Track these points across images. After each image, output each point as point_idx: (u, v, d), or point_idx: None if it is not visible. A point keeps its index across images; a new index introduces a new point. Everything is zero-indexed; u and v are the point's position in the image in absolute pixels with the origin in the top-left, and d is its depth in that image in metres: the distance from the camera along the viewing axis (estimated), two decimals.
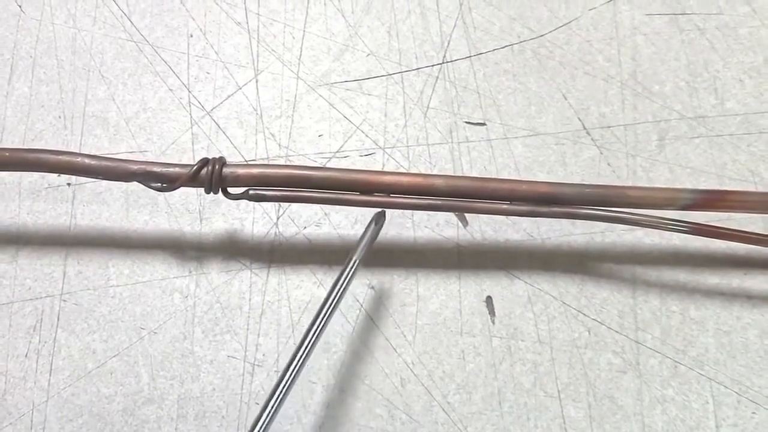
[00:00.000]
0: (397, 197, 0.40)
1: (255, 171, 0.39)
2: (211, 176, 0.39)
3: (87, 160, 0.39)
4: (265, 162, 0.45)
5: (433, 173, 0.44)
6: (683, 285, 0.43)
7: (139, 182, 0.39)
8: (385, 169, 0.45)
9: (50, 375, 0.40)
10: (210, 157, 0.39)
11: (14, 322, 0.41)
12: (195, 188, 0.43)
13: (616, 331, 0.42)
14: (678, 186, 0.44)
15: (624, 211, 0.40)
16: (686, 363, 0.41)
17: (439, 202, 0.40)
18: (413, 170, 0.45)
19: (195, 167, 0.39)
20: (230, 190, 0.40)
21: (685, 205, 0.40)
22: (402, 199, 0.40)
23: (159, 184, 0.39)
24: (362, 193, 0.40)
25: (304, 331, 0.39)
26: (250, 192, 0.39)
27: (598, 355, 0.41)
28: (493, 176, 0.44)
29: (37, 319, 0.41)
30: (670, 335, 0.42)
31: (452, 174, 0.45)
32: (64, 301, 0.42)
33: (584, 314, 0.42)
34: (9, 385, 0.40)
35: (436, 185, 0.39)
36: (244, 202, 0.44)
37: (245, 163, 0.43)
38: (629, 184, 0.45)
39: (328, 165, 0.45)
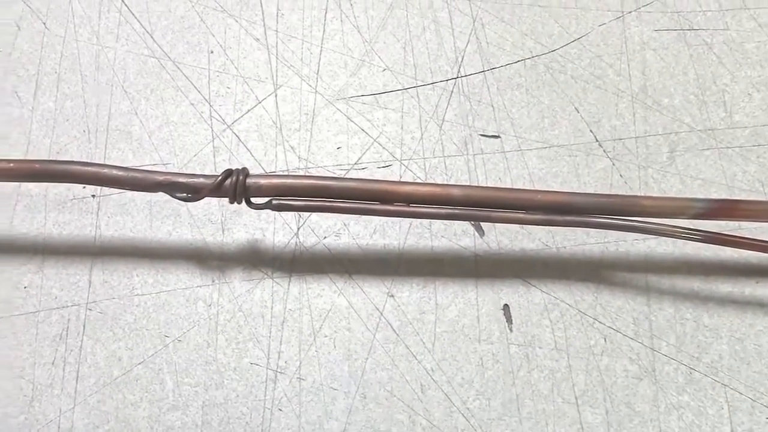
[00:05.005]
0: (416, 207, 0.41)
1: (277, 181, 0.40)
2: (235, 187, 0.40)
3: (114, 171, 0.40)
4: (285, 173, 0.45)
5: (451, 183, 0.45)
6: (696, 293, 0.44)
7: (164, 192, 0.40)
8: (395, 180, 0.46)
9: (77, 382, 0.41)
10: (234, 168, 0.40)
11: (41, 330, 0.42)
12: (217, 199, 0.44)
13: (632, 339, 0.43)
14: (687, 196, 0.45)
15: (638, 220, 0.41)
16: (701, 369, 0.42)
17: (457, 211, 0.41)
18: (422, 181, 0.46)
19: (219, 178, 0.40)
20: (253, 200, 0.41)
21: (697, 213, 0.41)
22: (421, 208, 0.40)
23: (184, 195, 0.40)
24: (382, 202, 0.41)
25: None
26: (273, 202, 0.40)
27: (614, 361, 0.42)
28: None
29: (64, 328, 0.42)
30: (684, 342, 0.42)
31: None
32: (90, 309, 0.43)
33: (600, 322, 0.43)
34: (36, 392, 0.41)
35: (453, 195, 0.40)
36: (265, 213, 0.45)
37: (268, 173, 0.44)
38: (633, 194, 0.46)
39: (340, 176, 0.46)
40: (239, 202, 0.40)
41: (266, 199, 0.41)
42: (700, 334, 0.43)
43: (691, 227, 0.41)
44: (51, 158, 0.46)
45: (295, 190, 0.40)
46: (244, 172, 0.40)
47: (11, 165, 0.40)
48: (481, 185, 0.45)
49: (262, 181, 0.40)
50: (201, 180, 0.40)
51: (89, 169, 0.40)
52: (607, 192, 0.46)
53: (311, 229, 0.45)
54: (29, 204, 0.45)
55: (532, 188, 0.45)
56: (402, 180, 0.46)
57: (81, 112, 0.47)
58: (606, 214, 0.41)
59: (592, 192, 0.45)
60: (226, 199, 0.42)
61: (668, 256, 0.44)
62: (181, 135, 0.47)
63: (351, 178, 0.41)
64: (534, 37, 0.50)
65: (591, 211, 0.41)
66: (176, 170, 0.45)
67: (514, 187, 0.46)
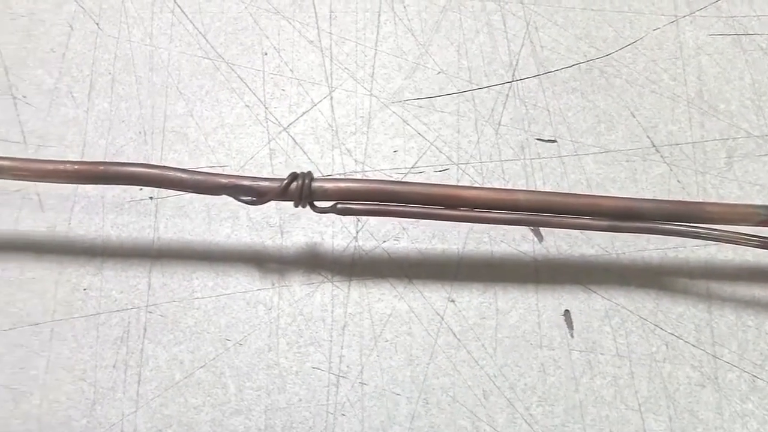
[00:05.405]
0: (481, 212, 0.40)
1: (342, 185, 0.40)
2: (301, 190, 0.39)
3: (179, 174, 0.40)
4: (350, 177, 0.45)
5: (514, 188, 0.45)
6: (758, 300, 0.43)
7: (228, 196, 0.40)
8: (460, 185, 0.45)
9: (138, 385, 0.41)
10: (299, 172, 0.40)
11: (101, 333, 0.42)
12: (275, 202, 0.44)
13: (694, 346, 0.42)
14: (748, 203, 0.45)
15: (702, 227, 0.41)
16: (764, 377, 0.42)
17: (523, 216, 0.40)
18: (488, 186, 0.45)
19: (286, 181, 0.39)
20: (317, 204, 0.40)
21: (761, 221, 0.41)
22: (486, 213, 0.40)
23: (248, 198, 0.40)
24: (447, 207, 0.40)
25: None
26: (338, 206, 0.40)
27: (677, 369, 0.42)
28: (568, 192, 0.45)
29: (124, 330, 0.42)
30: (747, 350, 0.42)
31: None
32: (150, 312, 0.42)
33: (661, 328, 0.43)
34: (98, 395, 0.41)
35: (519, 200, 0.40)
36: (324, 217, 0.44)
37: (332, 177, 0.44)
38: (700, 200, 0.45)
39: (404, 180, 0.46)
40: (304, 206, 0.40)
41: (330, 203, 0.40)
42: (763, 341, 0.42)
43: (754, 234, 0.41)
44: (107, 160, 0.45)
45: (360, 194, 0.40)
46: (309, 176, 0.40)
47: (75, 167, 0.40)
48: (545, 191, 0.45)
49: (328, 185, 0.40)
50: (266, 183, 0.40)
51: (154, 171, 0.40)
52: (666, 198, 0.46)
53: (370, 233, 0.44)
54: (87, 206, 0.44)
55: (592, 193, 0.45)
56: (465, 185, 0.45)
57: (136, 114, 0.47)
58: (671, 220, 0.41)
59: (654, 198, 0.44)
60: (285, 202, 0.41)
61: (729, 262, 0.44)
62: (237, 137, 0.47)
63: (416, 183, 0.40)
64: (588, 41, 0.50)
65: (656, 217, 0.40)
66: (234, 173, 0.45)
67: (573, 192, 0.46)
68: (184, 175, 0.40)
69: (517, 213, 0.41)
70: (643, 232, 0.41)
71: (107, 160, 0.44)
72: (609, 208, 0.40)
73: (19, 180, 0.40)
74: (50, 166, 0.40)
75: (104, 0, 0.50)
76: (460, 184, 0.46)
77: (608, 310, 0.43)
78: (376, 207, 0.40)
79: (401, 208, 0.40)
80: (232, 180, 0.40)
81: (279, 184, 0.40)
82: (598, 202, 0.41)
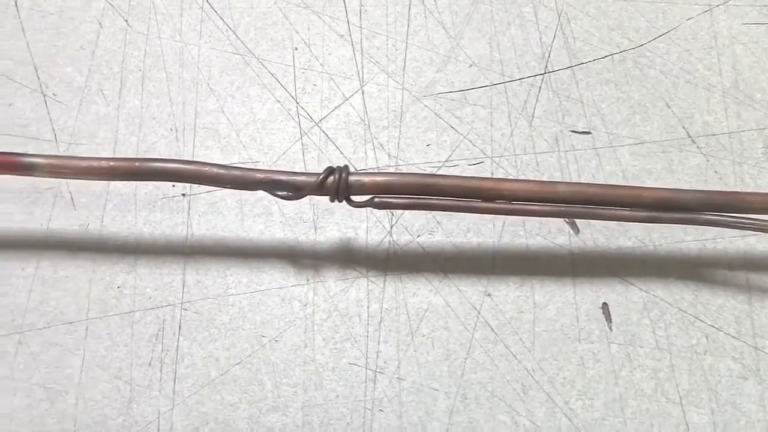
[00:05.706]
0: (520, 204, 0.40)
1: (379, 179, 0.40)
2: (338, 185, 0.39)
3: (215, 169, 0.39)
4: (387, 171, 0.45)
5: (553, 181, 0.44)
6: None
7: (264, 191, 0.40)
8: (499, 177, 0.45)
9: (174, 383, 0.41)
10: (335, 166, 0.39)
11: (136, 330, 0.42)
12: (309, 198, 0.44)
13: (734, 338, 0.42)
14: None
15: (745, 217, 0.40)
16: None
17: (563, 208, 0.40)
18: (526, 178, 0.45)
19: (322, 176, 0.39)
20: (353, 198, 0.40)
21: None
22: (525, 206, 0.40)
23: (285, 193, 0.40)
24: (485, 200, 0.40)
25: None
26: (376, 200, 0.40)
27: (718, 361, 0.41)
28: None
29: (159, 328, 0.42)
30: None
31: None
32: (185, 309, 0.42)
33: (701, 320, 0.42)
34: (134, 393, 0.40)
35: (559, 192, 0.40)
36: (357, 211, 0.44)
37: (369, 171, 0.44)
38: (738, 191, 0.45)
39: (442, 174, 0.45)
40: (340, 201, 0.40)
41: (366, 197, 0.40)
42: None
43: None
44: (140, 156, 0.45)
45: (398, 188, 0.40)
46: (346, 170, 0.39)
47: (111, 164, 0.39)
48: (585, 182, 0.44)
49: (365, 179, 0.39)
50: (302, 178, 0.39)
51: (190, 167, 0.39)
52: (703, 189, 0.45)
53: (404, 228, 0.44)
54: (119, 203, 0.44)
55: (630, 184, 0.44)
56: (503, 177, 0.45)
57: (167, 110, 0.47)
58: (710, 210, 0.40)
59: (694, 189, 0.44)
60: (318, 198, 0.41)
61: None
62: (269, 132, 0.46)
63: (454, 176, 0.40)
64: (621, 31, 0.49)
65: (696, 208, 0.40)
66: (266, 168, 0.45)
67: (610, 183, 0.45)
68: (220, 171, 0.39)
69: (556, 205, 0.40)
70: (683, 222, 0.41)
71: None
72: (649, 199, 0.40)
73: (54, 177, 0.40)
74: (85, 163, 0.40)
75: None
76: (493, 176, 0.45)
77: (647, 303, 0.43)
78: (414, 200, 0.40)
79: (439, 202, 0.40)
80: (269, 175, 0.40)
81: (315, 179, 0.39)
82: (639, 193, 0.40)
